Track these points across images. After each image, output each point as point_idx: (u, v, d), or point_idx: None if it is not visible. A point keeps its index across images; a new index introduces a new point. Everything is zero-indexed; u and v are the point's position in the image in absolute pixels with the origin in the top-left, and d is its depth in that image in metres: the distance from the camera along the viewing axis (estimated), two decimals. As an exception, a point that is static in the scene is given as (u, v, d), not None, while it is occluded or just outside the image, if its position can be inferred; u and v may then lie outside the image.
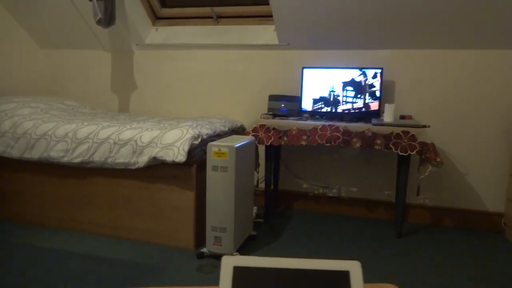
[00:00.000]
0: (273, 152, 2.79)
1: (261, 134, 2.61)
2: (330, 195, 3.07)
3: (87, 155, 2.39)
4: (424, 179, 2.88)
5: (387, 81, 2.88)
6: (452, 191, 2.84)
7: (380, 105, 2.71)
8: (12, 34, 3.44)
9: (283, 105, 2.90)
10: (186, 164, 2.25)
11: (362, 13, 2.64)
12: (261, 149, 3.06)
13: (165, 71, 3.40)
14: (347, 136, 2.46)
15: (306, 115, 2.90)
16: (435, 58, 2.79)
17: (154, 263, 2.14)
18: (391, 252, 2.36)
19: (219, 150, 2.08)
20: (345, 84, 2.77)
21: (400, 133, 2.39)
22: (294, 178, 3.15)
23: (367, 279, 2.03)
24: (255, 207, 2.78)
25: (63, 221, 2.60)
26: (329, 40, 2.90)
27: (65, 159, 2.44)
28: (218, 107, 3.30)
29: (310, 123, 2.55)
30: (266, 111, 3.13)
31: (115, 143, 2.35)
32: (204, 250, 2.20)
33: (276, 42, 3.04)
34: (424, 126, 2.42)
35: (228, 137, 2.33)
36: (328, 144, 2.49)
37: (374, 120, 2.56)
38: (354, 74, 2.75)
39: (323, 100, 2.82)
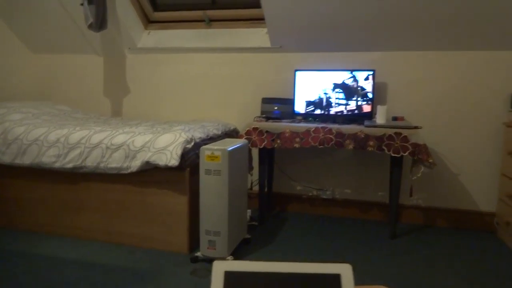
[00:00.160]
0: (266, 155, 2.79)
1: (254, 137, 2.61)
2: (324, 197, 3.07)
3: (79, 160, 2.38)
4: (417, 180, 2.89)
5: (379, 83, 2.90)
6: (444, 191, 2.86)
7: (372, 107, 2.73)
8: (3, 39, 3.42)
9: (276, 108, 2.90)
10: (179, 168, 2.25)
11: (354, 15, 2.66)
12: (255, 152, 3.06)
13: (158, 75, 3.39)
14: (340, 138, 2.46)
15: (299, 117, 2.90)
16: (427, 60, 2.81)
17: (148, 268, 2.13)
18: (385, 253, 2.36)
19: (212, 153, 2.07)
20: (337, 87, 2.78)
21: (393, 134, 2.40)
22: (288, 180, 3.15)
23: (361, 280, 2.03)
24: (249, 210, 2.78)
25: (56, 227, 2.58)
26: (321, 42, 2.91)
27: (57, 165, 2.42)
28: (211, 110, 3.29)
29: (303, 125, 2.56)
30: (259, 114, 3.13)
31: (107, 147, 2.34)
32: (198, 254, 2.19)
33: (268, 45, 3.04)
34: (416, 127, 2.44)
35: (221, 141, 2.33)
36: (321, 146, 2.50)
37: (366, 122, 2.57)
38: (346, 77, 2.76)
39: (316, 102, 2.83)
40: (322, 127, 2.50)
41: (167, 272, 2.09)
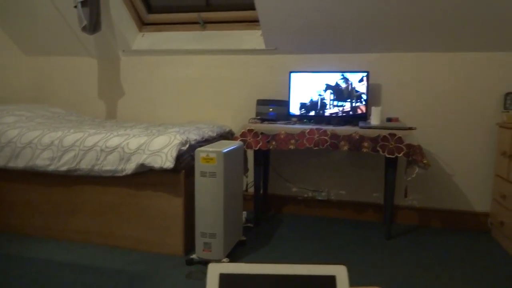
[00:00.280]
0: (262, 157, 2.79)
1: (250, 139, 2.61)
2: (320, 198, 3.08)
3: (74, 163, 2.37)
4: (411, 180, 2.91)
5: (373, 84, 2.91)
6: (439, 192, 2.87)
7: (367, 108, 2.74)
8: (-4, 42, 3.40)
9: (271, 110, 2.91)
10: (174, 170, 2.24)
11: (349, 17, 2.67)
12: (250, 153, 3.06)
13: (152, 77, 3.39)
14: (335, 140, 2.47)
15: (294, 119, 2.91)
16: (420, 61, 2.82)
17: (143, 270, 2.12)
18: (380, 254, 2.37)
19: (207, 155, 2.07)
20: (332, 88, 2.79)
21: (387, 135, 2.41)
22: (284, 182, 3.16)
23: (356, 281, 2.04)
24: (244, 212, 2.77)
25: (50, 230, 2.56)
26: (316, 44, 2.92)
27: (51, 167, 2.40)
28: (206, 112, 3.29)
29: (298, 127, 2.56)
30: (254, 116, 3.13)
31: (102, 150, 2.33)
32: (194, 256, 2.19)
33: (263, 47, 3.05)
34: (410, 128, 2.45)
35: (216, 143, 2.33)
36: (316, 148, 2.50)
37: (361, 123, 2.58)
38: (341, 78, 2.77)
39: (311, 104, 2.83)
40: (317, 129, 2.51)
41: (163, 274, 2.08)
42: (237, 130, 3.18)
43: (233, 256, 2.30)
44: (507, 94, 2.63)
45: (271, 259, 2.29)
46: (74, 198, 2.48)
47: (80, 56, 3.55)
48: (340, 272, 0.60)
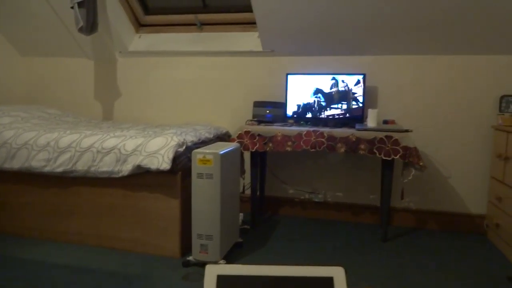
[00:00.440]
0: (258, 158, 2.79)
1: (246, 141, 2.61)
2: (316, 200, 3.08)
3: (70, 164, 2.36)
4: (408, 182, 2.92)
5: (370, 87, 2.92)
6: (435, 194, 2.88)
7: (363, 111, 2.74)
8: (-8, 42, 3.38)
9: (268, 111, 2.91)
10: (171, 171, 2.24)
11: (346, 20, 2.68)
12: (247, 155, 3.06)
13: (149, 78, 3.38)
14: (331, 142, 2.48)
15: (291, 121, 2.91)
16: (417, 64, 2.84)
17: (140, 272, 2.11)
18: (377, 256, 2.37)
19: (204, 157, 2.07)
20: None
21: (384, 137, 2.42)
22: (280, 184, 3.16)
23: (353, 283, 2.04)
24: (241, 214, 2.77)
25: (46, 232, 2.54)
26: (313, 46, 2.93)
27: (47, 169, 2.39)
28: (202, 114, 3.29)
29: (295, 129, 2.56)
30: (251, 118, 3.13)
31: (98, 151, 2.32)
32: (190, 258, 2.18)
33: (260, 48, 3.05)
34: (407, 131, 2.46)
35: (213, 144, 2.32)
36: (313, 150, 2.51)
37: (357, 125, 2.59)
38: (337, 80, 2.77)
39: (308, 106, 2.84)
40: (313, 131, 2.51)
41: (159, 276, 2.07)
42: (234, 131, 3.18)
43: (230, 258, 2.30)
44: (503, 97, 2.65)
45: (268, 261, 2.29)
46: (70, 199, 2.47)
47: (77, 57, 3.54)
48: (337, 274, 0.60)
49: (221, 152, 2.08)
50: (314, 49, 2.95)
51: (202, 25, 3.27)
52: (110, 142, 2.34)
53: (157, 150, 2.22)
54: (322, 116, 2.81)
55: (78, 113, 3.59)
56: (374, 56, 2.90)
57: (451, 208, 2.86)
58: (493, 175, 2.62)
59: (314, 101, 2.82)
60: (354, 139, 2.45)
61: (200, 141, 2.54)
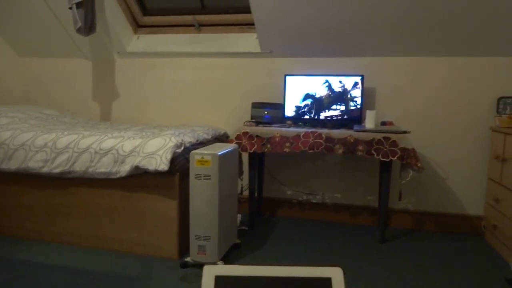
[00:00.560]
0: (256, 160, 2.79)
1: (244, 142, 2.61)
2: (314, 201, 3.08)
3: (68, 165, 2.35)
4: (405, 184, 2.92)
5: (368, 88, 2.92)
6: (433, 195, 2.88)
7: (361, 112, 2.75)
8: (-11, 43, 3.37)
9: (266, 113, 2.91)
10: (169, 172, 2.23)
11: (344, 21, 2.68)
12: (245, 156, 3.06)
13: (147, 79, 3.38)
14: (329, 143, 2.48)
15: (289, 122, 2.91)
16: (415, 65, 2.84)
17: (138, 274, 2.11)
18: (374, 257, 2.37)
19: (202, 158, 2.07)
20: (326, 91, 2.79)
21: (382, 139, 2.42)
22: (278, 185, 3.15)
23: (351, 284, 2.04)
24: (239, 215, 2.77)
25: (43, 233, 2.54)
26: (311, 48, 2.93)
27: (45, 170, 2.39)
28: (201, 115, 3.29)
29: (293, 130, 2.57)
30: (249, 119, 3.13)
31: (96, 152, 2.32)
32: (188, 259, 2.18)
33: (258, 50, 3.05)
34: (404, 132, 2.46)
35: (211, 145, 2.32)
36: (311, 151, 2.51)
37: (356, 127, 2.59)
38: (335, 81, 2.78)
39: (306, 107, 2.84)
40: (311, 132, 2.51)
41: (157, 278, 2.07)
42: (232, 132, 3.18)
43: (228, 259, 2.29)
44: (500, 99, 2.66)
45: (265, 262, 2.29)
46: (67, 200, 2.46)
47: (75, 58, 3.53)
48: (335, 274, 0.60)
49: (219, 153, 2.08)
50: (312, 50, 2.95)
51: (200, 26, 3.27)
52: (108, 143, 2.33)
53: (155, 151, 2.22)
54: (320, 117, 2.82)
55: (76, 114, 3.59)
56: (372, 58, 2.91)
57: (448, 209, 2.87)
58: (491, 177, 2.63)
59: (312, 102, 2.82)
60: (352, 140, 2.45)
61: (198, 142, 2.54)
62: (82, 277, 2.06)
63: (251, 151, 2.60)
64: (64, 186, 2.46)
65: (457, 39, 2.65)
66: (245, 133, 2.61)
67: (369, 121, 2.56)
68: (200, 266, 2.18)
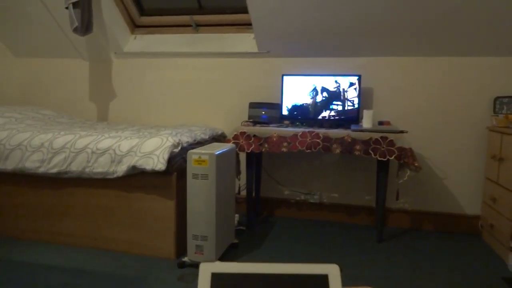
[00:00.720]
0: (254, 159, 2.79)
1: (242, 142, 2.61)
2: (312, 201, 3.08)
3: (64, 165, 2.34)
4: (403, 183, 2.92)
5: (365, 88, 2.93)
6: (430, 195, 2.89)
7: (359, 112, 2.75)
8: (-14, 43, 3.36)
9: (263, 112, 2.91)
10: (166, 172, 2.23)
11: (341, 21, 2.68)
12: (242, 156, 3.06)
13: (145, 79, 3.37)
14: (327, 142, 2.48)
15: (286, 122, 2.91)
16: (412, 65, 2.85)
17: (135, 274, 2.10)
18: (372, 257, 2.37)
19: (200, 157, 2.06)
20: (324, 91, 2.80)
21: (379, 138, 2.42)
22: (276, 185, 3.15)
23: (348, 284, 2.04)
24: (237, 215, 2.76)
25: (40, 233, 2.52)
26: (309, 48, 2.93)
27: (41, 170, 2.38)
28: (198, 115, 3.28)
29: (291, 130, 2.56)
30: (246, 119, 3.13)
31: (93, 152, 2.31)
32: (186, 259, 2.17)
33: (255, 50, 3.05)
34: (402, 132, 2.46)
35: (208, 145, 2.32)
36: (308, 151, 2.51)
37: (353, 126, 2.59)
38: (333, 81, 2.78)
39: (303, 107, 2.84)
40: (309, 132, 2.52)
41: (154, 278, 2.06)
42: (229, 132, 3.17)
43: (225, 258, 2.29)
44: (497, 98, 2.67)
45: (263, 262, 2.28)
46: (64, 200, 2.45)
47: (72, 58, 3.52)
48: (332, 271, 0.60)
49: (217, 153, 2.08)
50: (309, 50, 2.95)
51: (197, 26, 3.27)
52: (105, 142, 2.33)
53: (152, 151, 2.21)
54: (318, 117, 2.82)
55: (73, 114, 3.58)
56: (369, 58, 2.91)
57: (446, 208, 2.87)
58: (488, 176, 2.64)
59: (310, 102, 2.82)
60: (349, 140, 2.45)
61: (196, 142, 2.53)
62: (79, 277, 2.05)
63: (249, 151, 2.60)
64: (61, 186, 2.45)
65: (454, 39, 2.66)
66: (243, 133, 2.61)
67: (366, 121, 2.56)
68: (197, 266, 2.17)
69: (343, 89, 2.76)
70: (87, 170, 2.31)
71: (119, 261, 2.25)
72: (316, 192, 3.08)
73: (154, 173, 2.25)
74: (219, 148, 2.17)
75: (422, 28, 2.63)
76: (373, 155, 2.42)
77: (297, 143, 2.52)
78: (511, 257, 2.22)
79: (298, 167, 3.09)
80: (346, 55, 2.93)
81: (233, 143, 2.60)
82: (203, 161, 2.05)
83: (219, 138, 2.96)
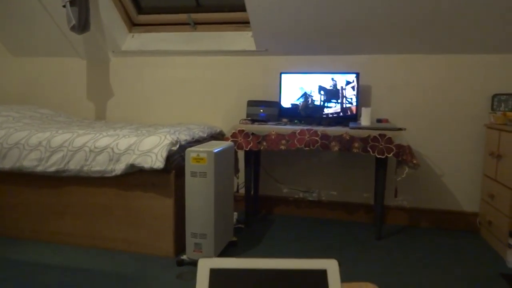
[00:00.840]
0: (252, 157, 2.79)
1: (240, 139, 2.61)
2: (310, 199, 3.08)
3: (62, 164, 2.34)
4: (401, 181, 2.93)
5: (363, 86, 2.93)
6: (428, 192, 2.89)
7: (357, 109, 2.75)
8: (-17, 41, 3.35)
9: (262, 110, 2.91)
10: (164, 170, 2.23)
11: (339, 19, 2.68)
12: (241, 154, 3.05)
13: (142, 78, 3.37)
14: (325, 140, 2.48)
15: (284, 119, 2.91)
16: (410, 63, 2.85)
17: (134, 272, 2.10)
18: (371, 254, 2.38)
19: (198, 155, 2.06)
20: (322, 89, 2.80)
21: (377, 136, 2.42)
22: (274, 183, 3.15)
23: (346, 281, 2.04)
24: (235, 213, 2.77)
25: (38, 233, 2.52)
26: (307, 46, 2.93)
27: (39, 168, 2.37)
28: (196, 113, 3.28)
29: (289, 127, 2.56)
30: (245, 117, 3.13)
31: (91, 150, 2.31)
32: (184, 257, 2.17)
33: (253, 48, 3.05)
34: (400, 129, 2.46)
35: (207, 143, 2.32)
36: (307, 148, 2.51)
37: (351, 124, 2.59)
38: (331, 79, 2.78)
39: (301, 104, 2.84)
40: (307, 129, 2.51)
41: (153, 276, 2.06)
42: (227, 131, 3.17)
43: (224, 256, 2.29)
44: (495, 96, 2.67)
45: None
46: (62, 199, 2.45)
47: (69, 57, 3.51)
48: (331, 266, 0.60)
49: (215, 151, 2.08)
50: (307, 48, 2.95)
51: (195, 25, 3.26)
52: (103, 141, 2.32)
53: (150, 149, 2.21)
54: (316, 114, 2.82)
55: (70, 113, 3.57)
56: (367, 55, 2.91)
57: (444, 206, 2.88)
58: (486, 173, 2.64)
59: (308, 100, 2.82)
60: (348, 138, 2.45)
61: (194, 140, 2.53)
62: (78, 276, 2.04)
63: (247, 149, 2.60)
64: (59, 185, 2.45)
65: (452, 36, 2.66)
66: (241, 131, 2.61)
67: (365, 119, 2.56)
68: (196, 264, 2.17)
69: (341, 87, 2.76)
70: (85, 168, 2.31)
71: (118, 260, 2.25)
72: (315, 190, 3.08)
73: (153, 171, 2.25)
74: (218, 146, 2.17)
75: (420, 26, 2.63)
76: (371, 152, 2.43)
77: (295, 141, 2.52)
78: (509, 254, 2.22)
79: (297, 165, 3.09)
80: (344, 53, 2.93)
81: (231, 141, 2.60)
82: (202, 159, 2.05)
83: (218, 136, 2.96)
